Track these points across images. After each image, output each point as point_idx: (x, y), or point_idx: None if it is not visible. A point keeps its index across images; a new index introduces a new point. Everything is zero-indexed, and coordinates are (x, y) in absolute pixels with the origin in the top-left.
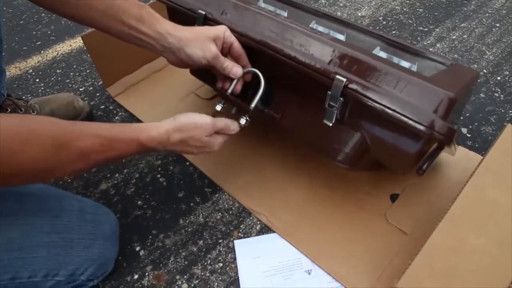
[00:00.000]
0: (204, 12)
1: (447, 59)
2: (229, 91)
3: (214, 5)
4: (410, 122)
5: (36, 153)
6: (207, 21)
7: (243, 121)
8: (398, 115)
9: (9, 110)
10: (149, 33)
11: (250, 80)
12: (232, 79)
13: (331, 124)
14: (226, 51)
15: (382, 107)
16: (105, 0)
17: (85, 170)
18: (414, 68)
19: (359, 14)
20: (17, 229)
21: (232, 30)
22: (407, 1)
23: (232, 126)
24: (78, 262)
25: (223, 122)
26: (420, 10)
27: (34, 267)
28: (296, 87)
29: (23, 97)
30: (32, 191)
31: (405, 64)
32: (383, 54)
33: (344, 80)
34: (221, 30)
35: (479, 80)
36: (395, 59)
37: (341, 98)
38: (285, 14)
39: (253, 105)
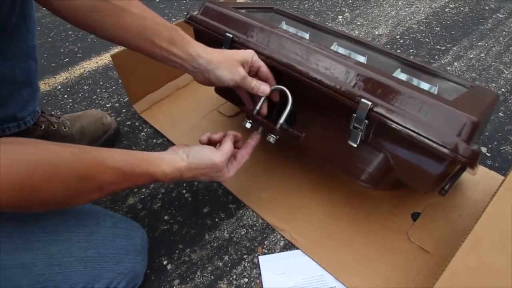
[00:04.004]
0: (231, 35)
1: (466, 81)
2: (255, 111)
3: (241, 28)
4: (434, 145)
5: (57, 187)
6: (234, 43)
7: (272, 139)
8: (423, 138)
9: (43, 126)
10: (180, 55)
11: (275, 101)
12: (257, 100)
13: (355, 145)
14: (253, 74)
15: (407, 130)
16: (138, 23)
17: (96, 200)
18: (435, 90)
19: (376, 33)
20: (57, 245)
21: (258, 53)
22: (424, 20)
23: (251, 141)
24: (111, 276)
25: (228, 148)
26: (437, 28)
27: (72, 281)
28: (320, 108)
29: (53, 112)
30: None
31: (425, 85)
32: (403, 76)
33: (370, 103)
34: (249, 55)
35: None
36: (415, 81)
37: (366, 121)
38: (307, 36)
39: (281, 121)
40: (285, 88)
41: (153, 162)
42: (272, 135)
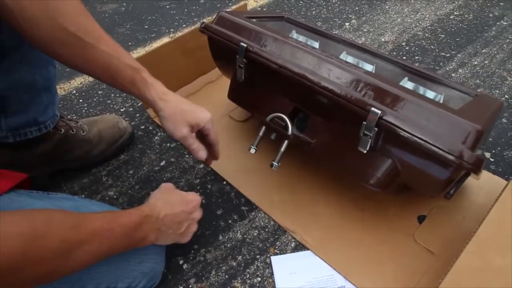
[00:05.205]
0: (245, 45)
1: (472, 90)
2: (269, 118)
3: (254, 38)
4: (441, 152)
5: (56, 234)
6: (248, 53)
7: (275, 166)
8: (430, 146)
9: (62, 130)
10: (138, 95)
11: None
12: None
13: (365, 151)
14: (203, 136)
15: (415, 138)
16: (104, 60)
17: (96, 261)
18: (441, 98)
19: (383, 40)
20: None
21: (272, 62)
22: (429, 27)
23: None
24: (133, 275)
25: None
26: (442, 36)
27: (97, 280)
28: (331, 115)
29: (69, 116)
30: (92, 209)
31: (432, 94)
32: (410, 85)
33: (379, 112)
34: (203, 121)
35: None
36: (421, 89)
37: (376, 129)
38: (317, 45)
39: (290, 131)
40: (285, 116)
41: (136, 207)
42: (275, 162)
